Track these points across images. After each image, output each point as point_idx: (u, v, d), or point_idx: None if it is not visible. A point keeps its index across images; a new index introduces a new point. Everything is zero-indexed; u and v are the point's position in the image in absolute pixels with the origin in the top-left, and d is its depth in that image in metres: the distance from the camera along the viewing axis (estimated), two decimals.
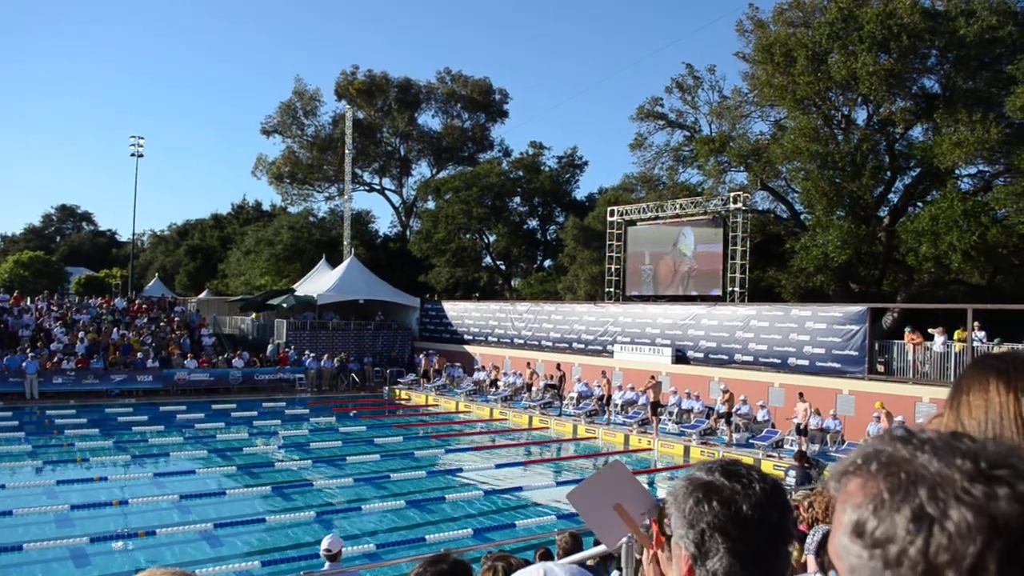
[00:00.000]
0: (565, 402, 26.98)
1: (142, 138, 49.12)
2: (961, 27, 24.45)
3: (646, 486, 5.42)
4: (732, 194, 29.27)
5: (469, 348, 35.08)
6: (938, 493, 0.70)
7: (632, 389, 25.64)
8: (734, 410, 21.98)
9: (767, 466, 19.27)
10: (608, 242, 33.64)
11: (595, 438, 24.01)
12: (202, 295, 52.54)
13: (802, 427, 19.95)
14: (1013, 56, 23.78)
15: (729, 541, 1.21)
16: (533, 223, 50.17)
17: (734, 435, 21.62)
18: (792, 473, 13.43)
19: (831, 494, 0.82)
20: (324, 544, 8.41)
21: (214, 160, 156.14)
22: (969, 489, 0.70)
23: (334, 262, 41.96)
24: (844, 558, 0.76)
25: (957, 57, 25.33)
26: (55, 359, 29.45)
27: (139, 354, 31.21)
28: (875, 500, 0.74)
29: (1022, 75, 22.48)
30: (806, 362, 22.92)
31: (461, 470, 19.21)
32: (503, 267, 50.04)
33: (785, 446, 20.43)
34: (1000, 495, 0.69)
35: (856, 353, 21.77)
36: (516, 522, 14.43)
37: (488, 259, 49.79)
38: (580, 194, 50.56)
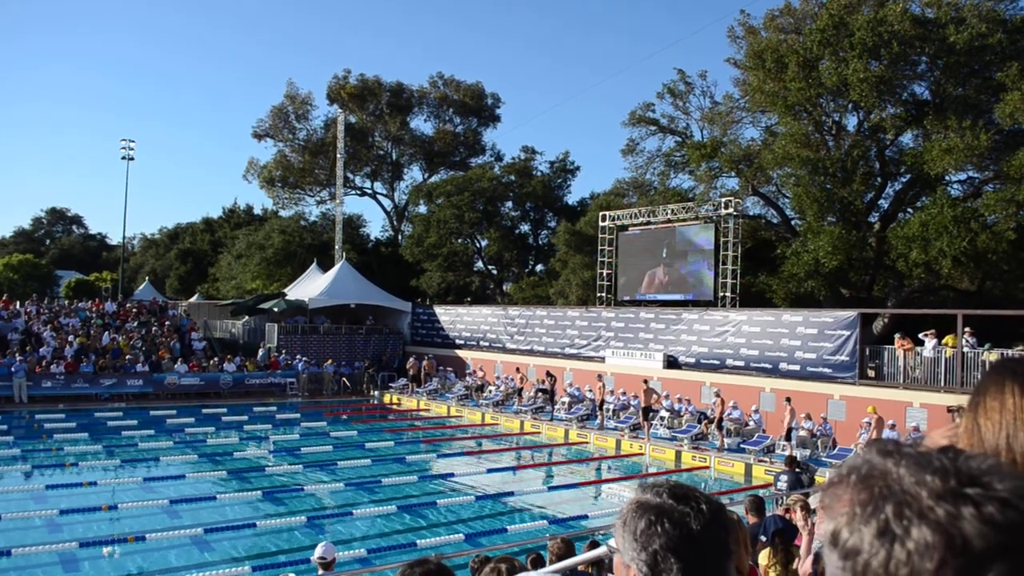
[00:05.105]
0: (557, 407, 26.97)
1: (133, 141, 48.98)
2: (951, 34, 24.57)
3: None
4: (723, 199, 29.35)
5: (461, 352, 35.04)
6: (904, 510, 0.73)
7: (624, 394, 25.65)
8: (725, 415, 22.01)
9: (758, 471, 19.34)
10: (600, 247, 33.70)
11: (586, 443, 24.02)
12: (193, 299, 52.42)
13: (788, 431, 20.05)
14: (1002, 63, 23.89)
15: (682, 562, 1.23)
16: (525, 228, 50.21)
17: (725, 440, 21.64)
18: (783, 478, 13.45)
19: (821, 503, 0.85)
20: (318, 551, 8.24)
21: (205, 164, 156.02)
22: (933, 507, 0.72)
23: (325, 266, 41.92)
24: (827, 566, 0.80)
25: (947, 64, 25.44)
26: (44, 363, 29.29)
27: (129, 358, 31.07)
28: (849, 512, 0.77)
29: (1011, 82, 22.60)
30: (797, 367, 22.98)
31: (452, 475, 19.18)
32: (495, 272, 50.04)
33: (776, 451, 20.48)
34: (964, 515, 0.71)
35: (847, 358, 21.83)
36: (507, 527, 14.43)
37: (480, 264, 49.80)
38: (572, 199, 50.76)
